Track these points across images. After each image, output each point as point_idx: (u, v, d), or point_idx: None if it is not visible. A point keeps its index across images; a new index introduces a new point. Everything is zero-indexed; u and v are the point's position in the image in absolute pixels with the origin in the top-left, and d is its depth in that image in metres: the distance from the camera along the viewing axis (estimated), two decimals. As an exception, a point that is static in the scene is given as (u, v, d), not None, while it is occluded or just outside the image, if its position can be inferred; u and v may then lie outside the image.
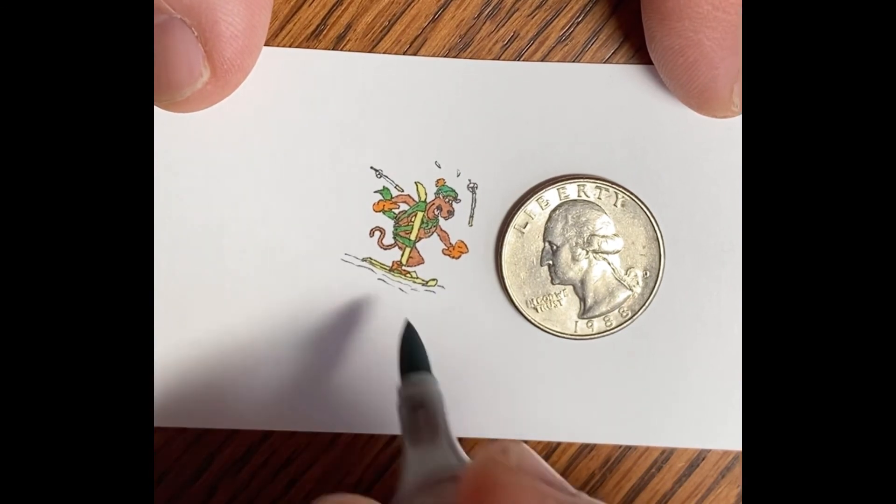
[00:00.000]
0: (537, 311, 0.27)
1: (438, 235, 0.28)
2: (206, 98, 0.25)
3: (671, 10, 0.24)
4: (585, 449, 0.28)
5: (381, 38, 0.27)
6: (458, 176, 0.27)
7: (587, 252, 0.27)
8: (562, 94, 0.27)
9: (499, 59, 0.27)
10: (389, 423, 0.28)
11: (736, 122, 0.27)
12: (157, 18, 0.23)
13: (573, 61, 0.27)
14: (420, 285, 0.28)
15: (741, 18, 0.24)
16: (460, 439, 0.23)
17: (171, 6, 0.23)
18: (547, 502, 0.18)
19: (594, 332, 0.28)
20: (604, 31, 0.27)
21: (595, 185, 0.27)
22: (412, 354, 0.24)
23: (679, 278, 0.28)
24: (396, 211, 0.28)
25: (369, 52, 0.27)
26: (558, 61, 0.27)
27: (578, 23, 0.27)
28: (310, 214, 0.27)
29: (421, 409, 0.23)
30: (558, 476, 0.20)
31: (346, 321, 0.28)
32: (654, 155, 0.27)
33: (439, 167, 0.27)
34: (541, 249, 0.27)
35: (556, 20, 0.27)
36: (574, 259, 0.27)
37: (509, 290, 0.27)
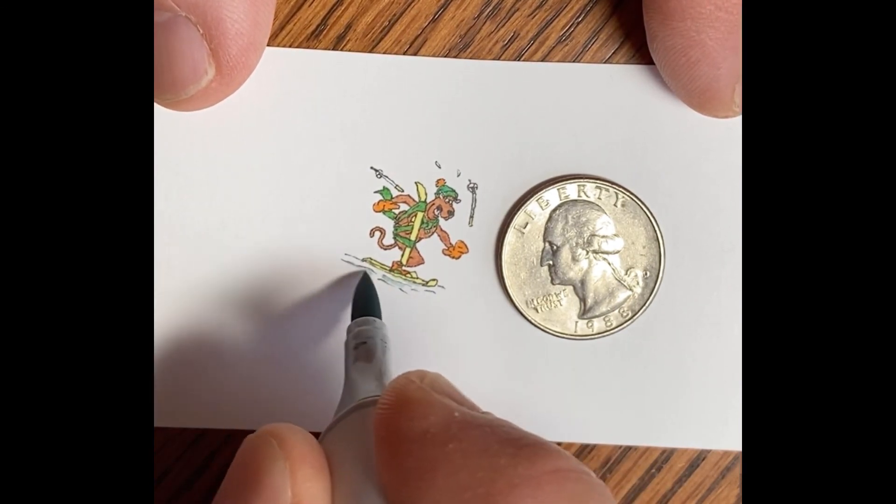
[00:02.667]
0: (537, 311, 0.27)
1: (438, 235, 0.28)
2: (210, 96, 0.25)
3: (673, 10, 0.24)
4: (585, 449, 0.28)
5: (381, 38, 0.27)
6: (458, 176, 0.27)
7: (587, 252, 0.27)
8: (562, 94, 0.27)
9: (499, 59, 0.27)
10: (389, 423, 0.28)
11: (736, 122, 0.27)
12: (162, 16, 0.23)
13: (573, 61, 0.27)
14: (420, 285, 0.28)
15: (742, 18, 0.24)
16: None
17: (175, 4, 0.23)
18: (452, 414, 0.19)
19: (594, 332, 0.28)
20: (604, 31, 0.27)
21: (595, 185, 0.27)
22: (365, 301, 0.26)
23: (679, 278, 0.28)
24: (396, 211, 0.28)
25: (369, 52, 0.27)
26: (558, 61, 0.27)
27: (578, 23, 0.27)
28: (310, 214, 0.27)
29: (363, 345, 0.25)
30: (469, 399, 0.21)
31: (347, 321, 0.28)
32: (654, 155, 0.27)
33: (439, 167, 0.27)
34: (541, 249, 0.27)
35: (556, 20, 0.27)
36: (574, 259, 0.27)
37: (509, 291, 0.27)
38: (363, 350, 0.25)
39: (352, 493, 0.20)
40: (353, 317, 0.26)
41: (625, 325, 0.28)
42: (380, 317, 0.26)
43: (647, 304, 0.27)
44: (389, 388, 0.20)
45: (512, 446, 0.18)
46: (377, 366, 0.24)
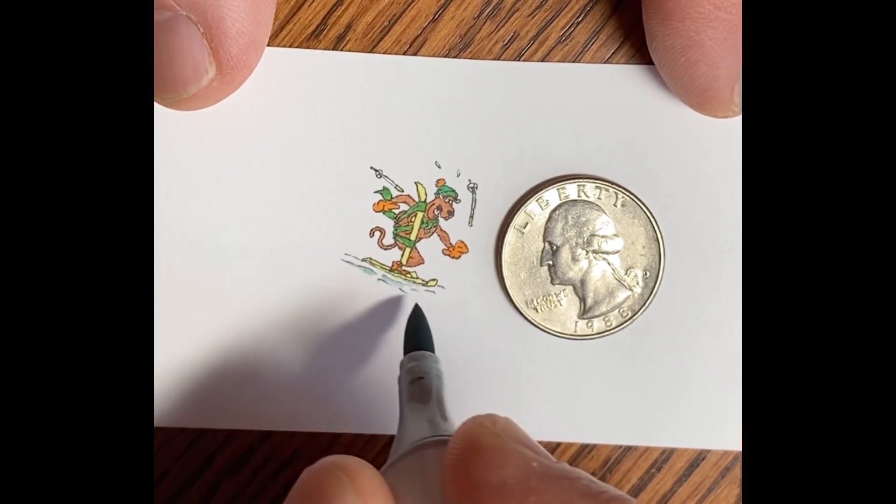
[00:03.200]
0: (537, 311, 0.27)
1: (438, 235, 0.28)
2: (211, 95, 0.25)
3: (672, 10, 0.24)
4: (585, 449, 0.28)
5: (381, 38, 0.27)
6: (458, 176, 0.27)
7: (587, 252, 0.27)
8: (562, 94, 0.27)
9: (499, 59, 0.27)
10: (390, 423, 0.28)
11: (736, 122, 0.27)
12: (163, 16, 0.23)
13: (573, 61, 0.27)
14: (420, 285, 0.28)
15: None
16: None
17: (176, 3, 0.23)
18: (530, 465, 0.19)
19: (594, 332, 0.28)
20: (604, 31, 0.27)
21: (595, 185, 0.27)
22: (417, 333, 0.26)
23: (679, 278, 0.28)
24: (396, 211, 0.28)
25: (369, 52, 0.27)
26: (558, 61, 0.27)
27: (578, 23, 0.27)
28: (310, 214, 0.27)
29: (419, 380, 0.24)
30: (541, 448, 0.20)
31: (346, 321, 0.28)
32: (654, 155, 0.27)
33: (439, 167, 0.27)
34: (541, 249, 0.27)
35: (556, 20, 0.27)
36: (574, 259, 0.27)
37: (509, 290, 0.27)
38: (419, 387, 0.24)
39: None
40: (406, 350, 0.25)
41: (625, 325, 0.28)
42: (433, 350, 0.25)
43: (646, 304, 0.27)
44: (461, 433, 0.20)
45: (593, 500, 0.18)
46: (435, 403, 0.24)
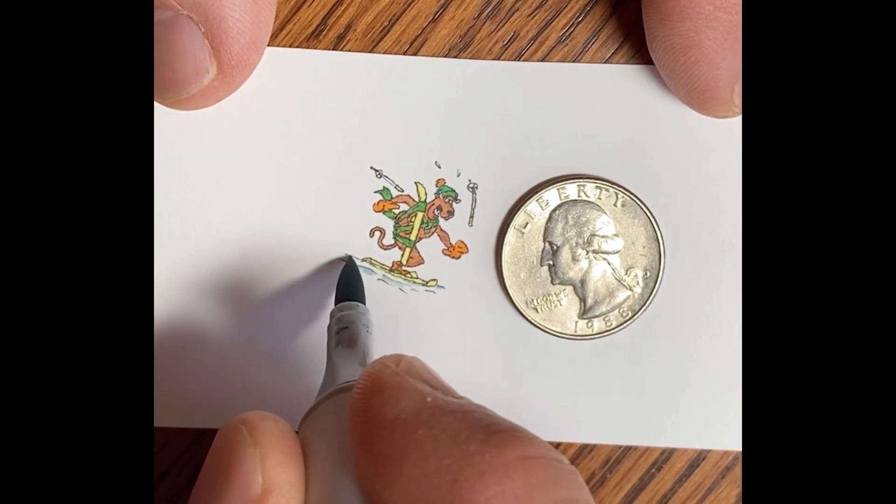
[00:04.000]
0: (537, 311, 0.27)
1: (438, 235, 0.28)
2: (212, 95, 0.25)
3: (672, 11, 0.24)
4: (585, 449, 0.28)
5: (381, 38, 0.27)
6: (458, 176, 0.27)
7: (587, 252, 0.27)
8: (562, 94, 0.27)
9: (499, 59, 0.27)
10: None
11: (736, 122, 0.27)
12: (164, 15, 0.23)
13: (573, 61, 0.27)
14: (420, 285, 0.28)
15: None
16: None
17: (177, 2, 0.23)
18: (424, 400, 0.19)
19: (594, 332, 0.28)
20: (604, 31, 0.27)
21: (595, 185, 0.27)
22: (348, 286, 0.26)
23: (679, 278, 0.28)
24: (396, 211, 0.28)
25: (369, 52, 0.27)
26: (558, 61, 0.27)
27: (578, 23, 0.27)
28: (310, 214, 0.27)
29: (345, 330, 0.24)
30: (446, 383, 0.20)
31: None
32: (654, 155, 0.27)
33: (439, 167, 0.27)
34: (541, 249, 0.27)
35: (556, 20, 0.27)
36: (574, 259, 0.27)
37: (509, 290, 0.27)
38: (345, 335, 0.24)
39: (327, 479, 0.20)
40: (337, 302, 0.26)
41: (625, 325, 0.28)
42: (363, 302, 0.26)
43: (647, 304, 0.27)
44: (365, 373, 0.20)
45: (482, 433, 0.18)
46: (359, 351, 0.24)
